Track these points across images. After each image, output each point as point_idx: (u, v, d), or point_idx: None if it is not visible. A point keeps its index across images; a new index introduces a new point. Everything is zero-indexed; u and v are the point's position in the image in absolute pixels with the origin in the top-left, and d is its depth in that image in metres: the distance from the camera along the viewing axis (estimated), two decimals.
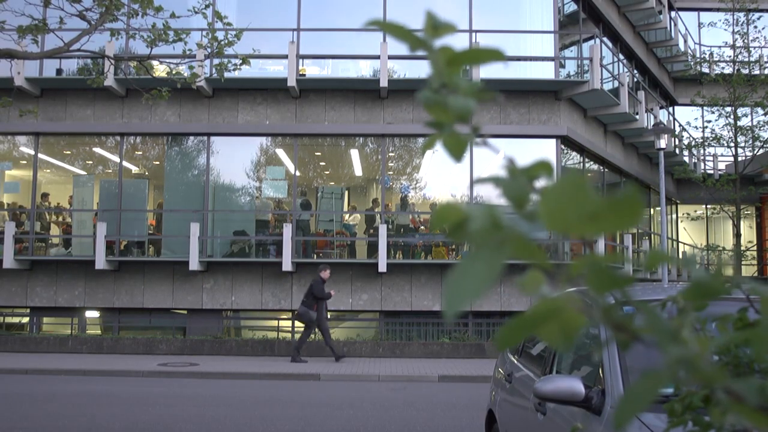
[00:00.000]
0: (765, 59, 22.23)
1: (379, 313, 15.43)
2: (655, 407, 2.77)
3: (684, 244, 24.03)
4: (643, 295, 3.80)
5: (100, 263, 14.68)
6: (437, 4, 16.98)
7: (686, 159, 22.47)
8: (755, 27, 21.72)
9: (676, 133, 22.44)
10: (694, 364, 0.57)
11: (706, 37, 24.51)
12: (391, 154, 16.47)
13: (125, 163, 16.03)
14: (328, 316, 13.80)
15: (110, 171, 16.39)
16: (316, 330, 13.73)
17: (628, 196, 0.55)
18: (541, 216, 0.57)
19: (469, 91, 0.64)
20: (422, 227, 16.24)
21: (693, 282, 0.57)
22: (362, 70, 16.29)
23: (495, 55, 0.63)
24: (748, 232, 24.62)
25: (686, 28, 24.24)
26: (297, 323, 14.73)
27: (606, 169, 18.47)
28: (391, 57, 15.07)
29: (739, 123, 21.25)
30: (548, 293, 0.59)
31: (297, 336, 14.43)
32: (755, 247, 23.35)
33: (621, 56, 19.69)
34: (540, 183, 0.60)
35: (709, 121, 21.87)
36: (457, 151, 0.65)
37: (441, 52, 0.64)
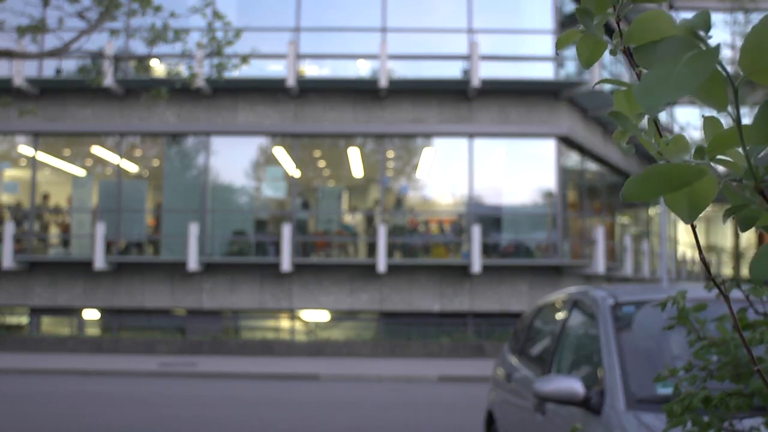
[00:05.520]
0: None
1: (379, 313, 15.43)
2: (654, 408, 2.77)
3: (683, 244, 24.03)
4: (644, 295, 3.80)
5: (100, 263, 14.67)
6: (437, 3, 16.98)
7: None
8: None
9: (676, 133, 22.43)
10: None
11: None
12: (390, 154, 16.47)
13: (124, 163, 16.03)
14: None
15: (109, 171, 16.38)
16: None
17: None
18: (743, 47, 0.50)
19: None
20: (422, 227, 16.23)
21: None
22: (362, 69, 16.29)
23: None
24: (747, 232, 24.64)
25: None
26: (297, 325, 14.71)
27: (606, 169, 18.48)
28: (390, 56, 15.07)
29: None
30: (690, 161, 0.56)
31: None
32: (755, 248, 23.36)
33: (621, 56, 19.67)
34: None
35: None
36: (588, 57, 0.62)
37: None
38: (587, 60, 0.63)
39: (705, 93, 0.53)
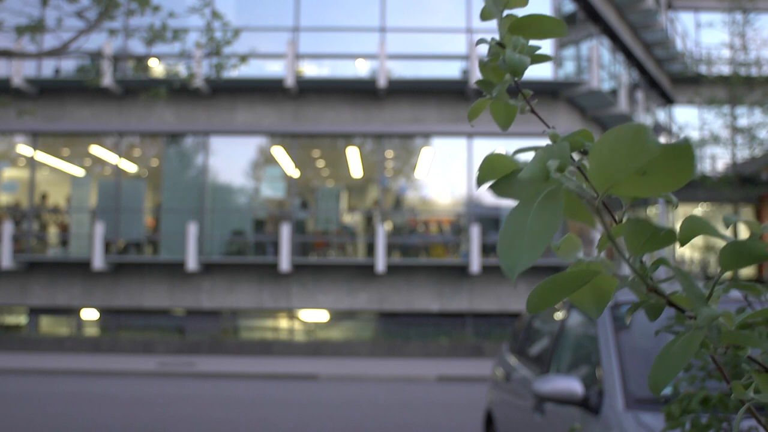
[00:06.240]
0: (763, 60, 22.25)
1: (378, 313, 15.42)
2: (653, 407, 2.77)
3: None
4: None
5: (98, 263, 14.66)
6: (436, 3, 16.98)
7: None
8: (753, 28, 21.75)
9: (674, 133, 22.47)
10: (724, 324, 0.56)
11: (705, 37, 24.55)
12: (389, 153, 16.46)
13: (123, 163, 16.01)
14: None
15: (108, 171, 16.37)
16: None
17: (682, 146, 0.50)
18: (590, 171, 0.53)
19: (525, 50, 0.65)
20: (421, 227, 16.23)
21: (729, 245, 0.55)
22: (360, 69, 16.29)
23: (556, 28, 0.64)
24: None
25: (684, 28, 24.28)
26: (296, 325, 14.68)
27: None
28: (389, 56, 15.07)
29: (736, 123, 21.28)
30: (583, 257, 0.58)
31: (297, 338, 14.39)
32: None
33: (619, 56, 19.70)
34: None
35: (708, 122, 21.90)
36: (504, 119, 0.66)
37: (506, 18, 0.68)
38: (504, 121, 0.68)
39: (573, 215, 0.55)
